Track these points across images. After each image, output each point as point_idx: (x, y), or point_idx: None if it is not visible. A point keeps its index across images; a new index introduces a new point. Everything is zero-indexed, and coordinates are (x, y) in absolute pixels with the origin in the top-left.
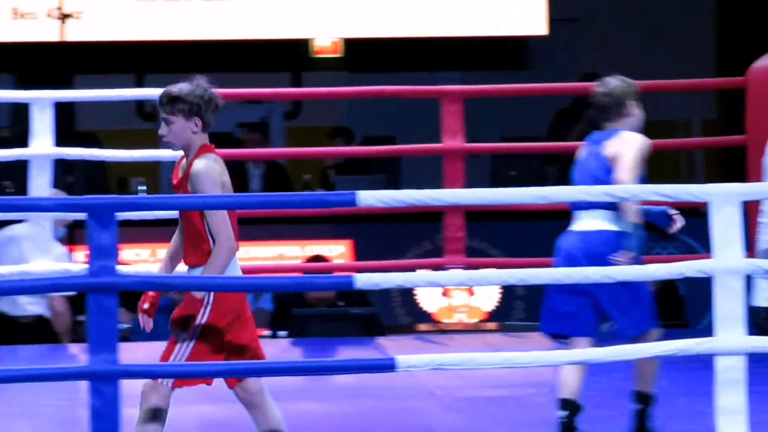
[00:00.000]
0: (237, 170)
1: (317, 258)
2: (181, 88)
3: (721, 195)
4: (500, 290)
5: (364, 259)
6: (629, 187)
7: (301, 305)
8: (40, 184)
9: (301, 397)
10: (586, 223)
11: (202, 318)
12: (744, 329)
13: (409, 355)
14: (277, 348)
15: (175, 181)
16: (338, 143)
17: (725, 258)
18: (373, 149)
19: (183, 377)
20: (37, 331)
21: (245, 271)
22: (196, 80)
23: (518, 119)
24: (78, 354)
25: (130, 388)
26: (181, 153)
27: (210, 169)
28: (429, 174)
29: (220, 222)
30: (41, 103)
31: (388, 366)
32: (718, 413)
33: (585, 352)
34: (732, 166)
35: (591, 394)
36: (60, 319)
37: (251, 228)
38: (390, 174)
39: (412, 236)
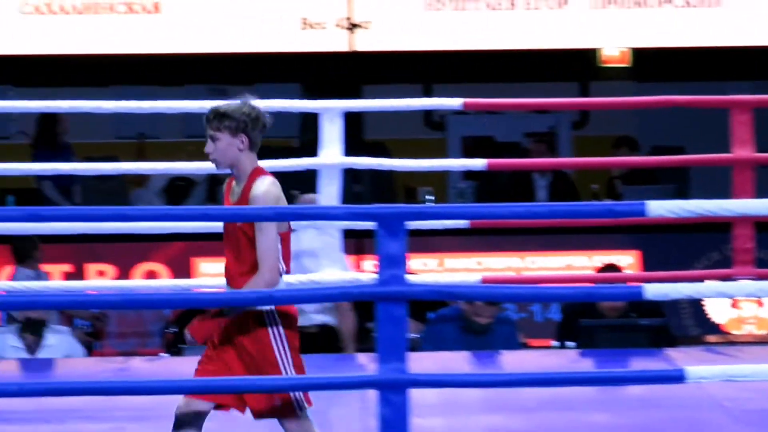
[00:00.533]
0: (522, 180)
1: (610, 267)
2: (228, 104)
3: None
4: None
5: (652, 270)
6: None
7: (590, 315)
8: (329, 194)
9: (590, 408)
10: None
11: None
12: None
13: (699, 367)
14: (565, 359)
15: (227, 204)
16: (622, 153)
17: None
18: (660, 159)
19: (469, 386)
20: (323, 340)
21: (535, 281)
22: (244, 98)
23: None
24: (366, 363)
25: (419, 398)
26: (226, 171)
27: (270, 194)
28: (718, 185)
29: (271, 249)
30: (331, 113)
31: (677, 377)
32: None
33: None
34: None
35: None
36: (347, 328)
37: (539, 238)
38: (678, 184)
39: (700, 247)
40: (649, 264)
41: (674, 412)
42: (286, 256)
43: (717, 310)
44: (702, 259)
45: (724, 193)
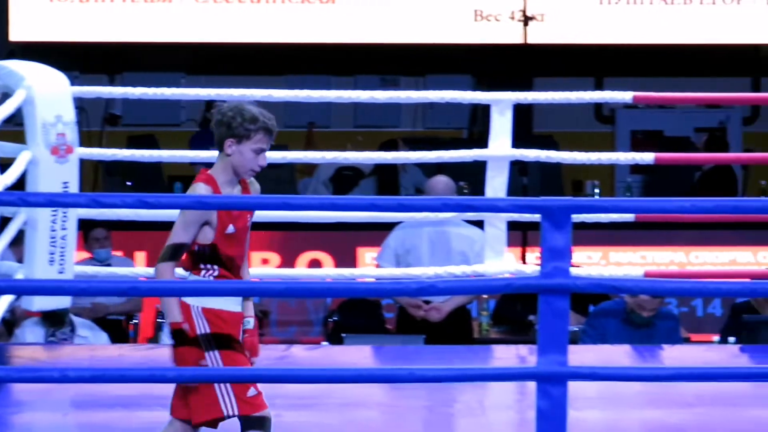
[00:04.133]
0: (687, 174)
1: None
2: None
3: None
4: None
5: None
6: None
7: (754, 312)
8: (496, 185)
9: (750, 404)
10: None
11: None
12: None
13: None
14: (726, 354)
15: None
16: None
17: None
18: None
19: (630, 380)
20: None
21: (697, 276)
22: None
23: None
24: (526, 355)
25: (578, 391)
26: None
27: None
28: None
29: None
30: (502, 105)
31: None
32: None
33: None
34: None
35: None
36: None
37: (704, 233)
38: None
39: None
40: None
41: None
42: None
43: None
44: None
45: None
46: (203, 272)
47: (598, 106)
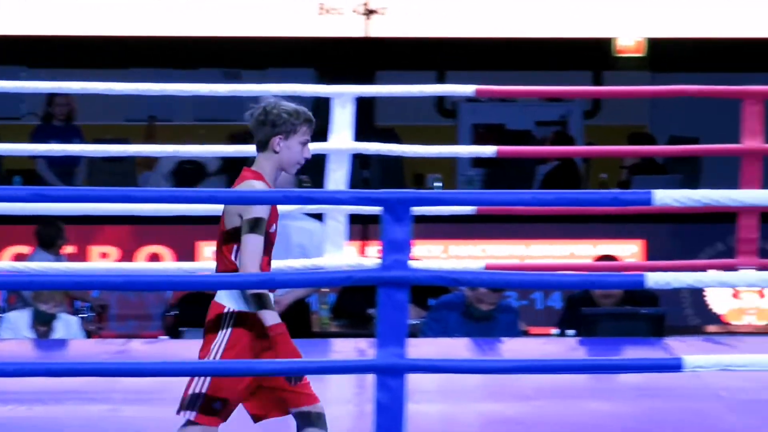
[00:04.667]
0: (527, 168)
1: (606, 258)
2: None
3: None
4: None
5: (656, 259)
6: None
7: (591, 304)
8: (337, 179)
9: (587, 396)
10: None
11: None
12: None
13: (696, 356)
14: (565, 347)
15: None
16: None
17: None
18: (667, 149)
19: (468, 372)
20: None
21: (536, 269)
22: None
23: None
24: (366, 348)
25: (417, 384)
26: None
27: None
28: (730, 175)
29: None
30: (342, 98)
31: (674, 366)
32: None
33: None
34: None
35: None
36: None
37: (542, 226)
38: (689, 175)
39: (705, 237)
40: (653, 254)
41: (671, 401)
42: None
43: (718, 301)
44: (707, 249)
45: (737, 184)
46: None
47: (440, 100)
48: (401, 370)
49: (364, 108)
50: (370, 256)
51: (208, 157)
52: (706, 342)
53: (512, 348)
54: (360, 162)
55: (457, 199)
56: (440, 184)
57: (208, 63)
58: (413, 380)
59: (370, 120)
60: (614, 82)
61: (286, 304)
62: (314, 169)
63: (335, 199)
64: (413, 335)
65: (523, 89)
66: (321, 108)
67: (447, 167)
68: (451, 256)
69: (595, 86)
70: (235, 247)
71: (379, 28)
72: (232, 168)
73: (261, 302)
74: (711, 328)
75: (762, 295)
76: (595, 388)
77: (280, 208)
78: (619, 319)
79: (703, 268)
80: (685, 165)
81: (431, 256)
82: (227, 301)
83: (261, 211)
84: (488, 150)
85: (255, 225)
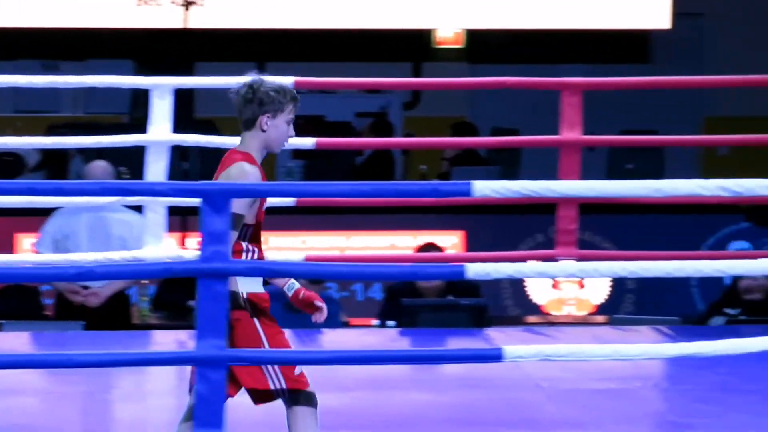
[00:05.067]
0: (347, 159)
1: (430, 246)
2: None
3: None
4: (610, 283)
5: (476, 250)
6: (744, 182)
7: (412, 295)
8: (157, 171)
9: (408, 387)
10: None
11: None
12: None
13: (517, 346)
14: (385, 337)
15: None
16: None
17: None
18: (486, 140)
19: (289, 364)
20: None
21: (356, 260)
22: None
23: (638, 113)
24: (186, 339)
25: None
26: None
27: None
28: (549, 166)
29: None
30: (161, 90)
31: (495, 356)
32: None
33: (694, 345)
34: None
35: (695, 388)
36: None
37: (363, 217)
38: (508, 166)
39: (525, 228)
40: (473, 244)
41: (492, 391)
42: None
43: (538, 291)
44: (527, 240)
45: (555, 176)
46: (246, 254)
47: None
48: (221, 362)
49: (183, 99)
50: (189, 248)
51: (27, 149)
52: (526, 332)
53: (333, 339)
54: (179, 154)
55: (276, 190)
56: None
57: (26, 54)
58: None
59: (189, 112)
60: (434, 73)
61: (106, 296)
62: (133, 160)
63: (154, 191)
64: None
65: (342, 80)
66: (140, 100)
67: (267, 159)
68: (271, 247)
69: (415, 78)
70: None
71: (198, 20)
72: (52, 160)
73: None
74: (531, 318)
75: (581, 286)
76: (415, 378)
77: (98, 200)
78: (440, 310)
79: (523, 259)
80: (505, 156)
81: None
82: (240, 286)
83: (240, 206)
84: (307, 142)
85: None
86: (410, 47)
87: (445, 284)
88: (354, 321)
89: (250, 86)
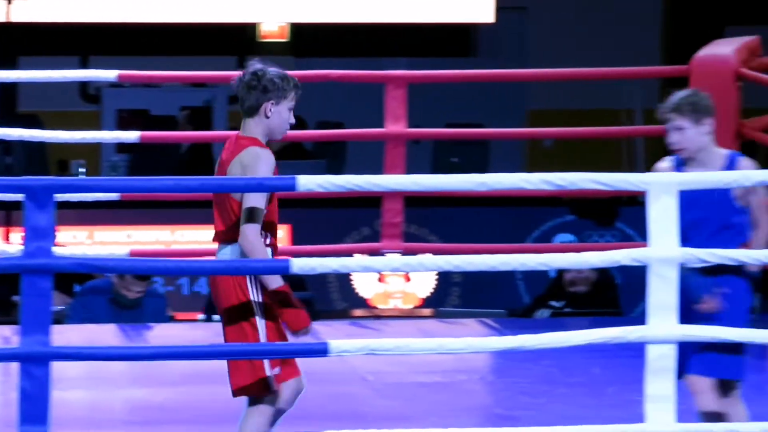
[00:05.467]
0: (172, 153)
1: None
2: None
3: (659, 184)
4: (436, 277)
5: (302, 244)
6: (566, 175)
7: None
8: None
9: None
10: None
11: (257, 295)
12: (676, 318)
13: (342, 340)
14: (211, 331)
15: None
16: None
17: (661, 247)
18: (311, 133)
19: (113, 359)
20: None
21: (182, 255)
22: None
23: (463, 106)
24: (10, 335)
25: (64, 371)
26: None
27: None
28: (375, 159)
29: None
30: None
31: (320, 350)
32: (647, 401)
33: (518, 338)
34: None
35: (520, 380)
36: None
37: (188, 211)
38: (334, 159)
39: (351, 221)
40: (299, 238)
41: (318, 385)
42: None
43: (364, 285)
44: (353, 233)
45: (380, 169)
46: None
47: (83, 85)
48: (45, 358)
49: (7, 93)
50: (13, 243)
51: None
52: (352, 326)
53: (159, 334)
54: (2, 148)
55: (101, 185)
56: (84, 170)
57: None
58: (59, 367)
59: (12, 106)
60: None
61: None
62: None
63: None
64: (58, 322)
65: (166, 74)
66: None
67: (91, 153)
68: (96, 242)
69: (240, 71)
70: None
71: (21, 13)
72: None
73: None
74: (358, 312)
75: (407, 279)
76: None
77: None
78: None
79: (349, 253)
80: (331, 149)
81: (76, 242)
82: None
83: (258, 200)
84: (132, 135)
85: (251, 214)
86: (235, 41)
87: None
88: (180, 315)
89: (254, 73)
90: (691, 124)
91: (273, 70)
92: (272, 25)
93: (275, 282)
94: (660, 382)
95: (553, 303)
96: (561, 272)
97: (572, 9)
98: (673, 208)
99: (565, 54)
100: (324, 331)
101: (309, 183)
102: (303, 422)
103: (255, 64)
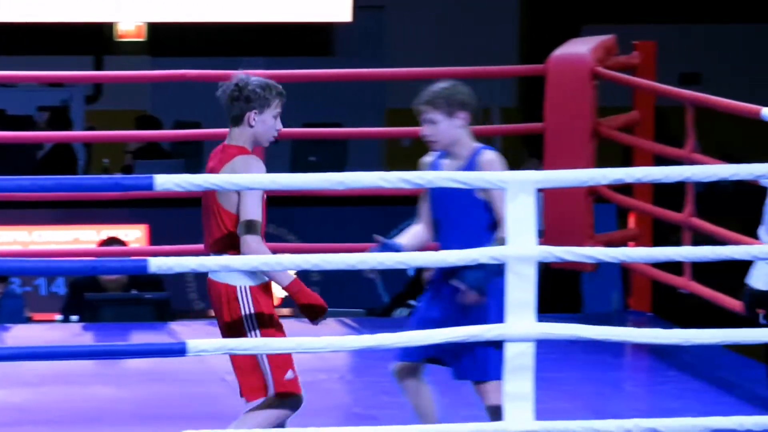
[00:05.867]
0: (29, 153)
1: (112, 240)
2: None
3: (517, 183)
4: (294, 275)
5: (160, 244)
6: (424, 174)
7: (96, 290)
8: None
9: (92, 382)
10: None
11: (249, 308)
12: (534, 316)
13: (200, 340)
14: (68, 333)
15: None
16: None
17: (518, 245)
18: (168, 133)
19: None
20: None
21: (40, 255)
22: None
23: (321, 105)
24: None
25: None
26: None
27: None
28: None
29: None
30: None
31: (178, 350)
32: (506, 399)
33: (376, 337)
34: (531, 154)
35: (380, 379)
36: None
37: (45, 211)
38: (192, 159)
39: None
40: (157, 238)
41: (177, 385)
42: None
43: None
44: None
45: None
46: None
47: None
48: None
49: None
50: None
51: None
52: (210, 326)
53: (16, 335)
54: None
55: None
56: None
57: None
58: None
59: None
60: (116, 66)
61: None
62: None
63: None
64: None
65: (22, 74)
66: None
67: None
68: None
69: (97, 71)
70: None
71: None
72: None
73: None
74: None
75: None
76: (100, 373)
77: None
78: (124, 304)
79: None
80: (189, 149)
81: None
82: (236, 279)
83: (257, 213)
84: None
85: (250, 226)
86: (92, 40)
87: (129, 278)
88: (37, 316)
89: (236, 84)
90: (443, 117)
91: (255, 80)
92: (129, 25)
93: (286, 279)
94: (519, 380)
95: (412, 302)
96: (419, 271)
97: (430, 8)
98: (531, 207)
99: (423, 53)
100: (182, 331)
101: (167, 182)
102: (161, 423)
103: (238, 75)
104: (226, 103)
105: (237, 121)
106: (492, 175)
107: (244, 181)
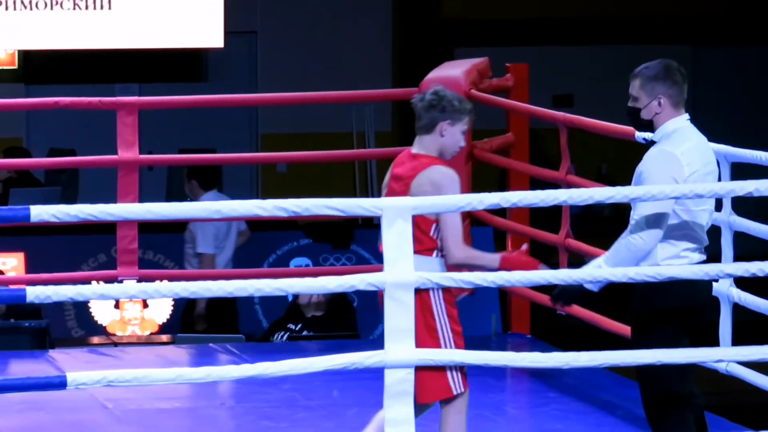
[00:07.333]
0: None
1: None
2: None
3: (393, 209)
4: (173, 302)
5: (38, 272)
6: (301, 202)
7: None
8: None
9: None
10: None
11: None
12: (413, 342)
13: (80, 372)
14: None
15: None
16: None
17: (396, 271)
18: (43, 161)
19: None
20: None
21: None
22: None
23: (196, 131)
24: None
25: None
26: None
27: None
28: (108, 186)
29: None
30: None
31: (58, 384)
32: (387, 425)
33: (257, 367)
34: None
35: (261, 405)
36: None
37: None
38: (67, 186)
39: (87, 248)
40: (33, 266)
41: (57, 413)
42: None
43: (101, 312)
44: (90, 260)
45: (114, 194)
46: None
47: None
48: None
49: None
50: None
51: None
52: (90, 353)
53: None
54: None
55: None
56: None
57: None
58: None
59: None
60: None
61: None
62: None
63: None
64: None
65: None
66: None
67: None
68: None
69: None
70: (434, 225)
71: None
72: None
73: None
74: (96, 339)
75: (145, 306)
76: None
77: None
78: (2, 333)
79: (86, 280)
80: (64, 177)
81: None
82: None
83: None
84: None
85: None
86: None
87: (6, 307)
88: None
89: (436, 93)
90: None
91: (452, 93)
92: (0, 53)
93: (493, 263)
94: (399, 406)
95: (291, 326)
96: (298, 296)
97: (302, 33)
98: (407, 233)
99: (296, 78)
100: (61, 359)
101: (42, 213)
102: None
103: (436, 86)
104: (420, 110)
105: (428, 129)
106: (368, 201)
107: (119, 211)
